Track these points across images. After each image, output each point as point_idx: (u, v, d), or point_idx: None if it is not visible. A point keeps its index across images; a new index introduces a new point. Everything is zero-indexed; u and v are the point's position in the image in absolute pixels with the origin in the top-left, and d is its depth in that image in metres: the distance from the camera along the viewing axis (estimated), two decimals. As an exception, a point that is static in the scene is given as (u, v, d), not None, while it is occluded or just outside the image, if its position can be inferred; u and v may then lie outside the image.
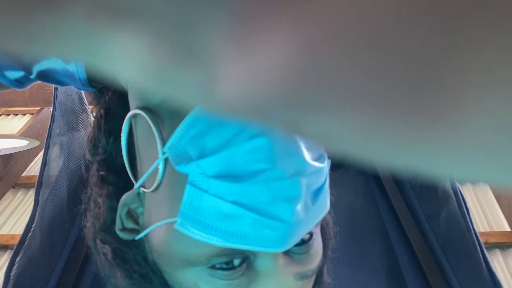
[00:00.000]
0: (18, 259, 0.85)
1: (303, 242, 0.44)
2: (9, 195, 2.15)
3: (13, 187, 2.19)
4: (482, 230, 2.05)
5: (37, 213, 0.92)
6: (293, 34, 0.13)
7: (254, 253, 0.41)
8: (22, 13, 0.14)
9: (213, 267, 0.40)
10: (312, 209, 0.40)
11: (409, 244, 1.17)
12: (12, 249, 1.86)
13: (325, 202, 0.43)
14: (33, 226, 0.91)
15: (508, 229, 1.80)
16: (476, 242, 0.93)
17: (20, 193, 2.17)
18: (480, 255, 0.92)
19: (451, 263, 1.06)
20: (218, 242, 0.38)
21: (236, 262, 0.41)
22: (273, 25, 0.13)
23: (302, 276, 0.43)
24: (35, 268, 0.92)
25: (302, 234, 0.41)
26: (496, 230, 1.77)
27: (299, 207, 0.38)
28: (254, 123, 0.17)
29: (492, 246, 2.00)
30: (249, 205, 0.37)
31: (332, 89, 0.14)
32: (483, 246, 0.94)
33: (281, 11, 0.12)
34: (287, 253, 0.42)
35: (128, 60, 0.16)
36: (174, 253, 0.42)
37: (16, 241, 1.85)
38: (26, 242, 0.88)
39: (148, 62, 0.15)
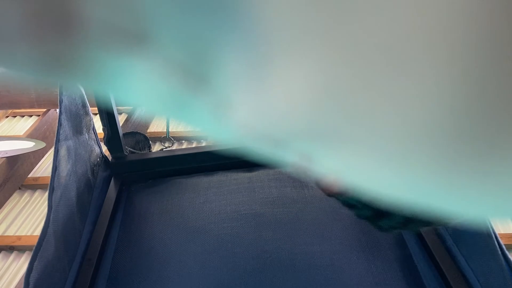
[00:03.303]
0: (35, 264, 0.86)
1: None
2: (15, 196, 2.16)
3: (19, 188, 2.20)
4: (488, 232, 2.04)
5: (51, 217, 0.94)
6: (314, 67, 0.13)
7: None
8: (39, 43, 0.14)
9: None
10: None
11: (420, 235, 1.17)
12: (18, 250, 1.87)
13: None
14: (48, 230, 0.92)
15: (514, 231, 1.79)
16: (491, 230, 0.93)
17: (26, 194, 2.18)
18: (495, 242, 0.92)
19: (462, 252, 1.06)
20: None
21: None
22: (295, 57, 0.13)
23: None
24: (52, 271, 0.93)
25: None
26: (502, 232, 1.76)
27: None
28: (266, 151, 0.17)
29: (498, 248, 2.00)
30: None
31: (350, 125, 0.14)
32: (497, 234, 0.93)
33: (303, 47, 0.12)
34: None
35: (142, 85, 0.16)
36: None
37: (22, 242, 1.87)
38: (42, 247, 0.89)
39: (161, 86, 0.15)
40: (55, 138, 1.02)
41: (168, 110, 0.17)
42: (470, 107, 0.12)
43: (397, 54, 0.11)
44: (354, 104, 0.13)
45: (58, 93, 1.10)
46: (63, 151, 1.05)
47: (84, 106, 1.26)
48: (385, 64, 0.12)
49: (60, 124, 1.05)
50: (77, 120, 1.20)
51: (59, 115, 1.06)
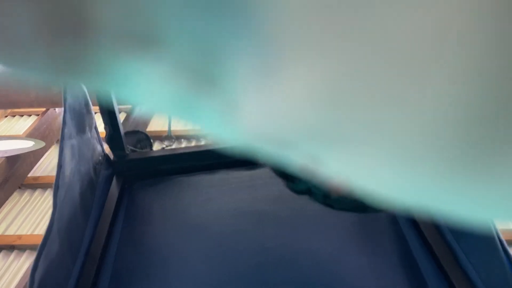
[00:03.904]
0: (40, 262, 0.86)
1: None
2: (15, 195, 2.16)
3: (19, 187, 2.20)
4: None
5: (56, 215, 0.94)
6: (322, 69, 0.13)
7: None
8: (51, 45, 0.15)
9: None
10: None
11: (419, 230, 1.18)
12: (19, 249, 1.87)
13: None
14: (52, 229, 0.92)
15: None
16: (492, 226, 0.92)
17: (26, 194, 2.18)
18: (496, 238, 0.91)
19: (462, 247, 1.07)
20: None
21: None
22: (303, 59, 0.13)
23: None
24: (56, 269, 0.93)
25: None
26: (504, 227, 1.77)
27: None
28: (274, 153, 0.17)
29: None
30: None
31: (357, 127, 0.14)
32: (498, 230, 0.93)
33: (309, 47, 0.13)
34: None
35: (151, 86, 0.16)
36: None
37: (23, 242, 1.87)
38: (47, 245, 0.89)
39: (171, 88, 0.16)
40: (59, 137, 1.02)
41: (178, 111, 0.17)
42: (477, 111, 0.12)
43: (405, 58, 0.12)
44: (362, 107, 0.13)
45: (62, 92, 1.10)
46: (67, 150, 1.06)
47: (86, 104, 1.26)
48: (394, 68, 0.12)
49: (64, 122, 1.05)
50: (80, 118, 1.20)
51: (64, 114, 1.07)
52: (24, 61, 0.16)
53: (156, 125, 2.46)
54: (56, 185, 0.96)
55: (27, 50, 0.16)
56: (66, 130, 1.05)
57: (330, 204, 0.75)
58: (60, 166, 0.98)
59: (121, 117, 2.34)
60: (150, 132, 2.35)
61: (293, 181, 0.71)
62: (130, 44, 0.14)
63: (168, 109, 0.18)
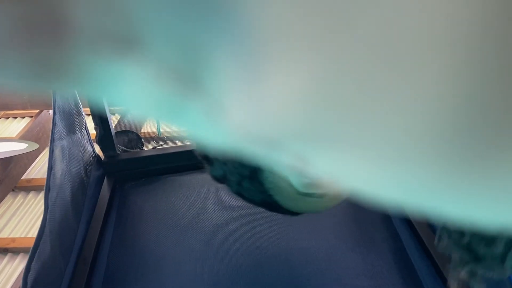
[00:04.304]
0: (33, 264, 0.86)
1: None
2: (9, 198, 2.15)
3: (12, 190, 2.19)
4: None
5: (48, 217, 0.93)
6: (309, 68, 0.12)
7: None
8: (29, 49, 0.14)
9: None
10: None
11: (413, 229, 1.18)
12: (12, 252, 1.86)
13: None
14: (45, 230, 0.91)
15: None
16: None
17: (20, 196, 2.16)
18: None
19: None
20: None
21: None
22: (288, 57, 0.12)
23: None
24: (48, 271, 0.93)
25: None
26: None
27: None
28: (261, 154, 0.17)
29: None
30: None
31: (347, 126, 0.14)
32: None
33: (296, 46, 0.12)
34: None
35: (133, 89, 0.16)
36: None
37: (16, 244, 1.86)
38: (39, 247, 0.89)
39: (153, 90, 0.15)
40: (49, 138, 1.02)
41: (161, 114, 0.17)
42: (474, 108, 0.12)
43: (397, 54, 0.11)
44: (351, 106, 0.13)
45: (52, 92, 1.09)
46: (58, 151, 1.05)
47: (76, 105, 1.26)
48: (384, 63, 0.12)
49: (54, 124, 1.05)
50: (70, 119, 1.20)
51: (53, 115, 1.06)
52: (1, 67, 0.15)
53: (151, 126, 2.46)
54: (48, 187, 0.95)
55: (3, 55, 0.15)
56: (56, 131, 1.04)
57: (242, 194, 0.74)
58: (50, 167, 0.98)
59: (115, 119, 2.34)
60: (145, 132, 2.34)
61: (212, 165, 0.69)
62: (112, 46, 0.14)
63: (152, 111, 0.17)
